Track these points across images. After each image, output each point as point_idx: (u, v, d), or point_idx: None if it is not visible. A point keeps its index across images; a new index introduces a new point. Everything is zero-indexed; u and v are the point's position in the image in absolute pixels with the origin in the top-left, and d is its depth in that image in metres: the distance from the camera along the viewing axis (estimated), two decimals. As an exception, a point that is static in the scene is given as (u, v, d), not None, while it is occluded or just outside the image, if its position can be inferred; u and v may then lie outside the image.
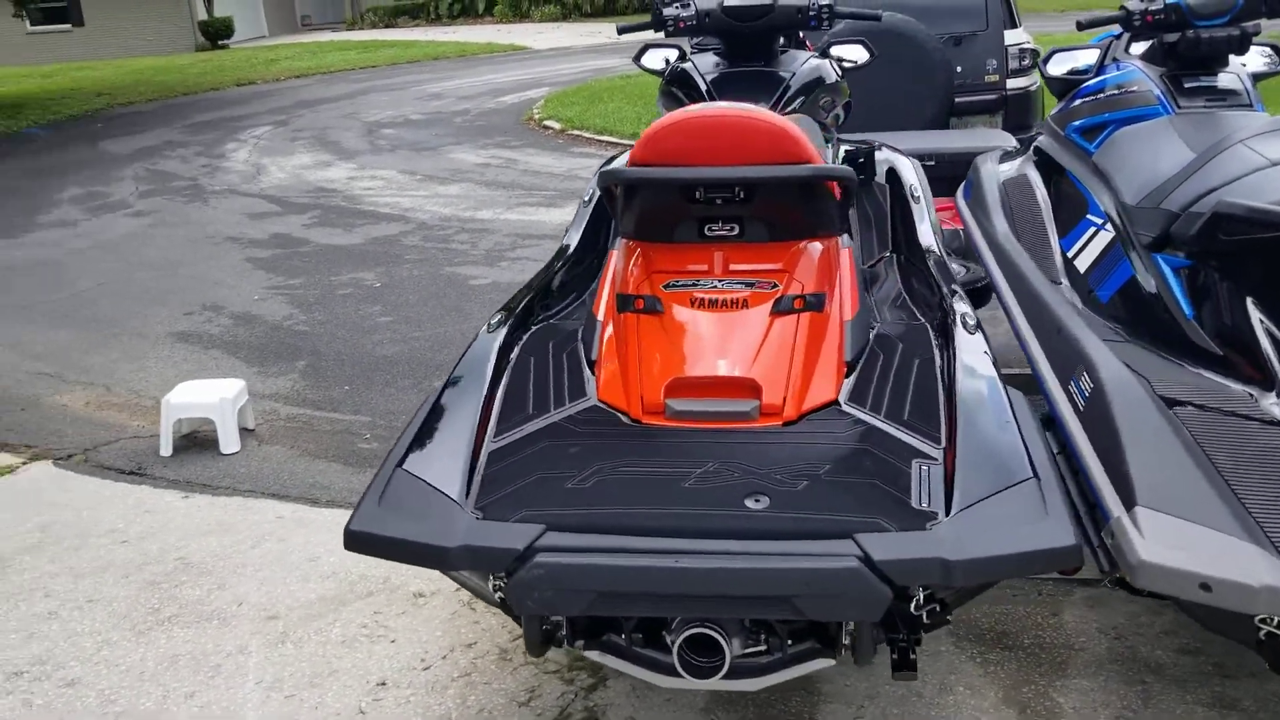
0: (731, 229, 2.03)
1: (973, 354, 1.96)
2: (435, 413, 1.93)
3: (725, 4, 3.00)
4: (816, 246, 2.10)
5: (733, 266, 2.03)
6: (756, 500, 1.64)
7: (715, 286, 2.01)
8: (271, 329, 5.41)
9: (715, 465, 1.74)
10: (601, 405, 1.95)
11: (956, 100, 5.23)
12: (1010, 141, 4.24)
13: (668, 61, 3.43)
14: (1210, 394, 1.89)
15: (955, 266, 4.12)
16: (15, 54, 26.50)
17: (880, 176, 3.24)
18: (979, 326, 2.09)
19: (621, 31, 3.24)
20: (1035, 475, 1.66)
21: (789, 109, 2.94)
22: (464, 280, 6.03)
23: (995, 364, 1.99)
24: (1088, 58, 3.18)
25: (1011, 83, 5.35)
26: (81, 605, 2.93)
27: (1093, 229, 2.78)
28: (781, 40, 3.12)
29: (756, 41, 3.05)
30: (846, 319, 2.06)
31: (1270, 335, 1.92)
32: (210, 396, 3.97)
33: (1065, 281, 2.79)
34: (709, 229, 2.05)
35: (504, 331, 2.15)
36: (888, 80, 5.06)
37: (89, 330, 5.57)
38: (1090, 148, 2.93)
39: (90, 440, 4.16)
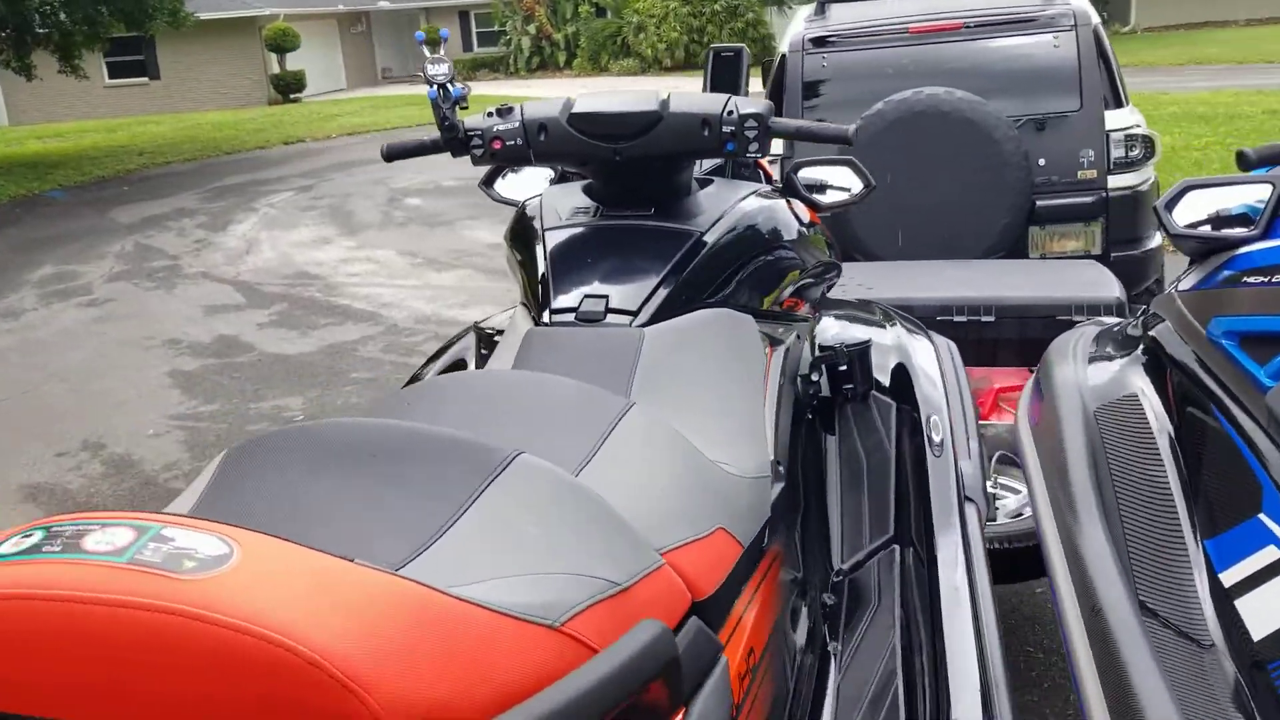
0: None
1: None
2: None
3: (573, 110, 1.70)
4: None
5: None
6: None
7: None
8: (141, 486, 4.21)
9: None
10: None
11: (1039, 204, 3.82)
12: (1111, 284, 2.83)
13: (553, 182, 2.13)
14: None
15: (1011, 498, 2.72)
16: (94, 107, 26.46)
17: (886, 377, 1.89)
18: None
19: (390, 158, 1.94)
20: None
21: (698, 298, 1.60)
22: (405, 415, 4.78)
23: None
24: (1244, 198, 1.79)
25: (1115, 180, 3.90)
26: None
27: (1275, 550, 1.41)
28: (694, 167, 1.78)
29: (642, 174, 1.75)
30: None
31: None
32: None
33: (1218, 641, 1.43)
34: None
35: None
36: (938, 181, 3.70)
37: (-75, 478, 4.45)
38: (1263, 377, 1.55)
39: None
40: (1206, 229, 1.79)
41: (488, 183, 2.08)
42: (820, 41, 4.15)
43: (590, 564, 0.87)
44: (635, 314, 1.52)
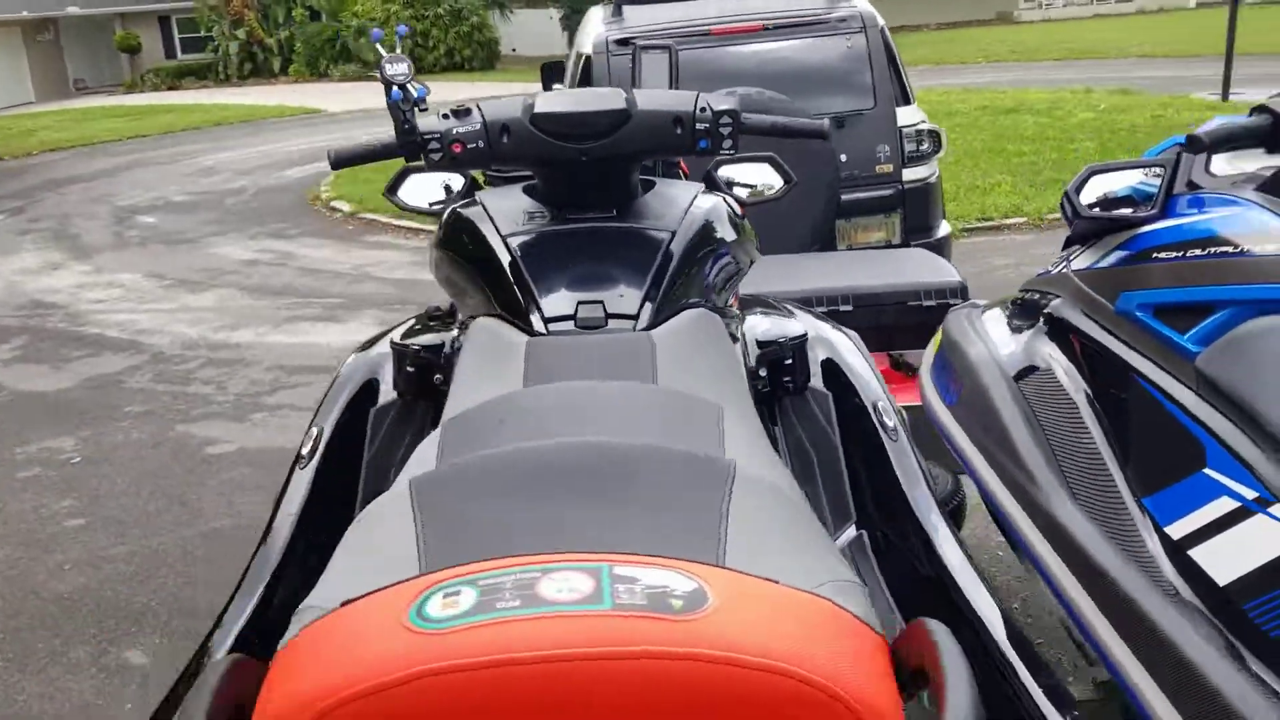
0: None
1: None
2: None
3: (536, 110, 1.64)
4: None
5: None
6: None
7: None
8: (-101, 550, 3.71)
9: None
10: None
11: (844, 198, 4.01)
12: (950, 270, 3.00)
13: (449, 190, 2.01)
14: None
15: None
16: None
17: (816, 377, 1.92)
18: None
19: (338, 165, 1.79)
20: None
21: (680, 301, 1.57)
22: (198, 448, 4.45)
23: None
24: (1133, 180, 1.94)
25: (908, 173, 4.18)
26: None
27: (1229, 500, 1.54)
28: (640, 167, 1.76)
29: (603, 175, 1.68)
30: None
31: None
32: None
33: (1182, 590, 1.55)
34: None
35: None
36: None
37: None
38: (1187, 344, 1.68)
39: None
40: (1097, 210, 1.93)
41: (392, 190, 1.95)
42: (624, 43, 4.17)
43: (837, 568, 0.84)
44: (635, 318, 1.49)
